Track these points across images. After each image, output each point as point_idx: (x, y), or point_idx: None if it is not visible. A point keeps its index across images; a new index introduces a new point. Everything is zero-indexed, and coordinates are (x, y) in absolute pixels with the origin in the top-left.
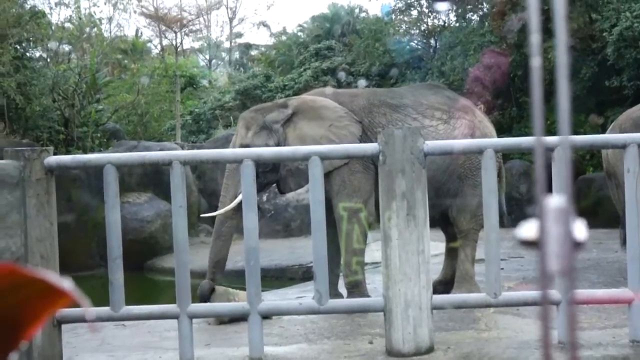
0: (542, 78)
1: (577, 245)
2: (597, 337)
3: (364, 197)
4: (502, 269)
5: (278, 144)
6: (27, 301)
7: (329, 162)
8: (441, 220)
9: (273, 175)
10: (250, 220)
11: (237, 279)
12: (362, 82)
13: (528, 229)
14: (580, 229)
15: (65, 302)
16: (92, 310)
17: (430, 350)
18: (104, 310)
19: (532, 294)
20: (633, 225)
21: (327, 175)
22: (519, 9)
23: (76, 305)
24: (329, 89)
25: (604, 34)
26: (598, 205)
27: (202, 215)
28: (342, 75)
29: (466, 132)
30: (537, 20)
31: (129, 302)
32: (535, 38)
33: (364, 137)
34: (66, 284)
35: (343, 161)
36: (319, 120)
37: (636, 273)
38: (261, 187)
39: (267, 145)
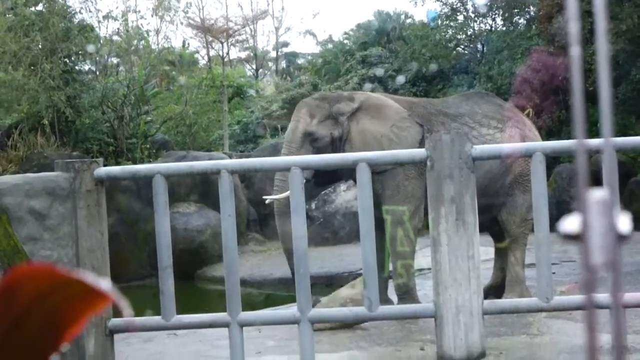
0: (587, 79)
1: (621, 238)
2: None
3: (416, 203)
4: (553, 273)
5: (341, 136)
6: (66, 303)
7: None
8: (491, 225)
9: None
10: (299, 227)
11: (287, 287)
12: (400, 79)
13: (571, 222)
14: (624, 221)
15: (103, 304)
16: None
17: (482, 356)
18: (156, 319)
19: (584, 298)
20: None
21: (380, 177)
22: (565, 11)
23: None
24: (383, 96)
25: None
26: None
27: (264, 197)
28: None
29: (519, 140)
30: (575, 7)
31: (180, 311)
32: (573, 26)
33: (423, 144)
34: (104, 285)
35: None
36: (382, 119)
37: None
38: (329, 181)
39: (331, 134)
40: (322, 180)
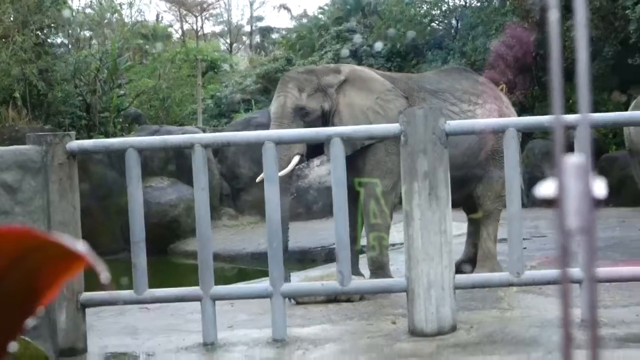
0: (564, 57)
1: (596, 202)
2: (621, 314)
3: (395, 178)
4: (524, 247)
5: (330, 109)
6: (43, 265)
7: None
8: (465, 200)
9: None
10: (273, 198)
11: (259, 261)
12: (378, 45)
13: (547, 187)
14: (599, 186)
15: (80, 266)
16: (108, 274)
17: (453, 329)
18: (128, 293)
19: (554, 272)
20: None
21: (361, 153)
22: None
23: (100, 288)
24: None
25: (627, 11)
26: (621, 184)
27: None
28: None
29: (497, 116)
30: None
31: (152, 285)
32: None
33: None
34: (81, 247)
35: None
36: (368, 91)
37: None
38: (314, 153)
39: (322, 107)
40: (313, 154)
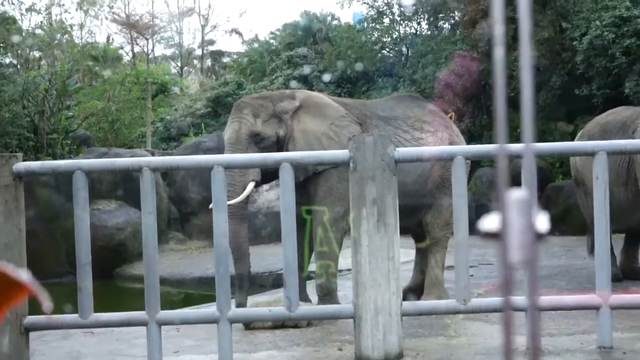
0: (511, 87)
1: (539, 236)
2: (565, 343)
3: (347, 205)
4: (471, 275)
5: (285, 135)
6: None
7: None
8: (415, 227)
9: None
10: (220, 225)
11: (207, 286)
12: (326, 77)
13: (490, 221)
14: (542, 221)
15: (23, 295)
16: (50, 304)
17: (399, 357)
18: (73, 317)
19: (500, 300)
20: (601, 232)
21: (314, 179)
22: (489, 17)
23: (44, 312)
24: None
25: (574, 42)
26: (567, 213)
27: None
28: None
29: (448, 144)
30: (500, 10)
31: (97, 309)
32: (498, 28)
33: None
34: (24, 276)
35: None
36: (322, 117)
37: (604, 279)
38: (268, 179)
39: (277, 133)
40: (267, 180)
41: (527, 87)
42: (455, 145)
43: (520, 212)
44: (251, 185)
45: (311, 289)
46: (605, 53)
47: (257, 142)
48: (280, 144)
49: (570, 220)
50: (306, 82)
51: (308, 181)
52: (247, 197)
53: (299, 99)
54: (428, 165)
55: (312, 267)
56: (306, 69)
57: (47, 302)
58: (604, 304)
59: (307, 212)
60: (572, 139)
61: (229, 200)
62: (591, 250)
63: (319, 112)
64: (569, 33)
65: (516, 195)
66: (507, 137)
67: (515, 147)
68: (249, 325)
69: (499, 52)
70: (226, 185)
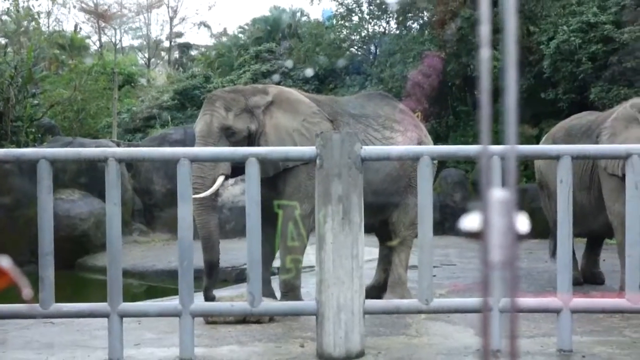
0: (490, 85)
1: (519, 237)
2: (526, 345)
3: (314, 203)
4: (434, 275)
5: (257, 130)
6: None
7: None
8: (380, 226)
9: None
10: (185, 219)
11: (170, 279)
12: (294, 73)
13: (471, 221)
14: (522, 221)
15: (4, 282)
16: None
17: (360, 355)
18: (33, 307)
19: (463, 301)
20: (564, 235)
21: (283, 175)
22: (458, 19)
23: (5, 300)
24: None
25: (541, 46)
26: (530, 216)
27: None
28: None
29: (416, 144)
30: (487, 10)
31: (59, 300)
32: (485, 29)
33: None
34: (4, 262)
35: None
36: (294, 113)
37: (565, 283)
38: (239, 173)
39: (248, 128)
40: (237, 174)
41: (511, 90)
42: (424, 145)
43: (501, 212)
44: (221, 178)
45: (276, 284)
46: (571, 58)
47: (229, 136)
48: (251, 139)
49: (533, 223)
50: (274, 77)
51: (278, 177)
52: (217, 190)
53: (271, 94)
54: (397, 165)
55: (276, 262)
56: (274, 65)
57: (27, 290)
58: (564, 308)
59: (279, 206)
60: (537, 142)
61: (198, 193)
62: (553, 253)
63: (291, 108)
64: (536, 37)
65: (498, 196)
66: (491, 138)
67: (495, 148)
68: (208, 319)
69: (485, 53)
70: (193, 178)
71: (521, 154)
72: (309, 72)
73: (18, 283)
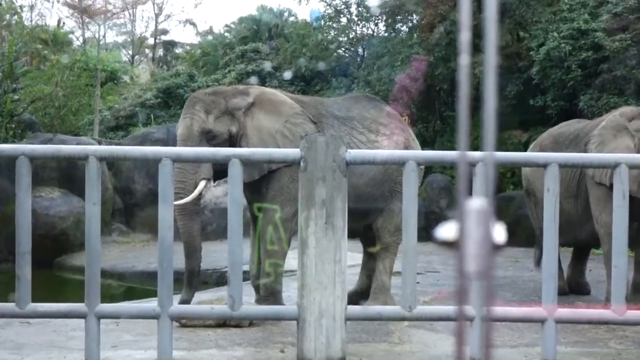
0: (469, 91)
1: (496, 247)
2: (509, 355)
3: (297, 206)
4: (418, 282)
5: (238, 132)
6: None
7: (267, 163)
8: (365, 231)
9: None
10: (166, 220)
11: (149, 280)
12: (280, 74)
13: (447, 230)
14: (499, 232)
15: None
16: None
17: None
18: (9, 306)
19: (446, 308)
20: (550, 244)
21: (266, 177)
22: (447, 22)
23: None
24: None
25: (531, 52)
26: (516, 223)
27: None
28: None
29: (402, 148)
30: (467, 18)
31: (35, 299)
32: (464, 35)
33: None
34: None
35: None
36: (277, 114)
37: (551, 292)
38: (220, 176)
39: (229, 131)
40: (218, 178)
41: (490, 96)
42: (411, 149)
43: (478, 221)
44: (202, 183)
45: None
46: (561, 65)
47: (209, 139)
48: (232, 141)
49: (519, 231)
50: (259, 77)
51: (261, 179)
52: (199, 195)
53: (252, 95)
54: (381, 169)
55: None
56: (260, 65)
57: None
58: (549, 317)
59: (258, 209)
60: (525, 149)
61: (180, 198)
62: (538, 262)
63: (273, 109)
64: (526, 42)
65: (475, 205)
66: (468, 144)
67: (475, 154)
68: (182, 322)
69: (464, 59)
70: (174, 179)
71: (506, 161)
72: (288, 74)
73: None
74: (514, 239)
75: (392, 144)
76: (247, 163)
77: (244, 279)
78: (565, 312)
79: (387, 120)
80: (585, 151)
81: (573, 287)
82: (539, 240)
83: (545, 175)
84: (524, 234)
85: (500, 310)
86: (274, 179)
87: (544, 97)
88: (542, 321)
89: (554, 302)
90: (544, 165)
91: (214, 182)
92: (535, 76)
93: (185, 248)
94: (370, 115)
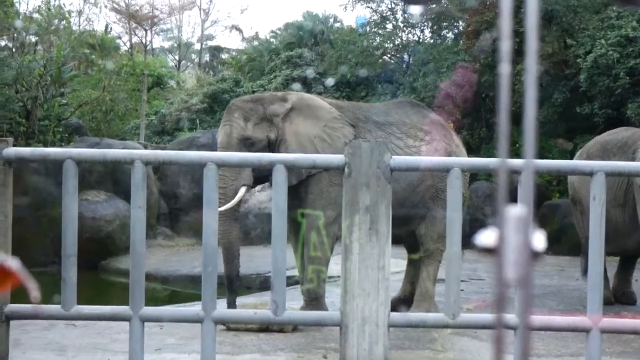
0: (512, 100)
1: (535, 255)
2: None
3: (338, 210)
4: (462, 290)
5: (277, 137)
6: None
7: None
8: (407, 238)
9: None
10: (210, 225)
11: (193, 284)
12: (330, 81)
13: (487, 236)
14: (539, 239)
15: (11, 283)
16: (38, 294)
17: None
18: (55, 308)
19: (489, 316)
20: (595, 253)
21: (305, 182)
22: (493, 29)
23: (27, 300)
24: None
25: (578, 60)
26: (562, 232)
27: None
28: (308, 83)
29: (443, 155)
30: (508, 25)
31: (80, 301)
32: (505, 45)
33: None
34: (13, 264)
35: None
36: (315, 119)
37: (596, 302)
38: (260, 182)
39: (268, 137)
40: (259, 183)
41: (531, 104)
42: (454, 156)
43: (518, 228)
44: (243, 189)
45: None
46: (609, 72)
47: (248, 146)
48: (271, 148)
49: (564, 239)
50: (305, 83)
51: (300, 184)
52: (240, 201)
53: (290, 101)
54: (417, 175)
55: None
56: (306, 71)
57: (35, 292)
58: (594, 327)
59: (302, 215)
60: (571, 157)
61: (220, 204)
62: (584, 271)
63: (311, 114)
64: (573, 50)
65: (514, 212)
66: (508, 152)
67: (516, 162)
68: (229, 326)
69: (504, 68)
70: (218, 184)
71: (552, 168)
72: (332, 80)
73: (26, 285)
74: (559, 247)
75: (431, 150)
76: (292, 168)
77: (288, 284)
78: (610, 321)
79: (429, 127)
80: (633, 159)
81: (619, 297)
82: (585, 249)
83: (591, 184)
84: (569, 242)
85: (544, 319)
86: (312, 183)
87: (591, 105)
88: (586, 331)
89: (599, 311)
90: (590, 174)
91: (254, 188)
92: (583, 84)
93: (224, 254)
94: (411, 120)
